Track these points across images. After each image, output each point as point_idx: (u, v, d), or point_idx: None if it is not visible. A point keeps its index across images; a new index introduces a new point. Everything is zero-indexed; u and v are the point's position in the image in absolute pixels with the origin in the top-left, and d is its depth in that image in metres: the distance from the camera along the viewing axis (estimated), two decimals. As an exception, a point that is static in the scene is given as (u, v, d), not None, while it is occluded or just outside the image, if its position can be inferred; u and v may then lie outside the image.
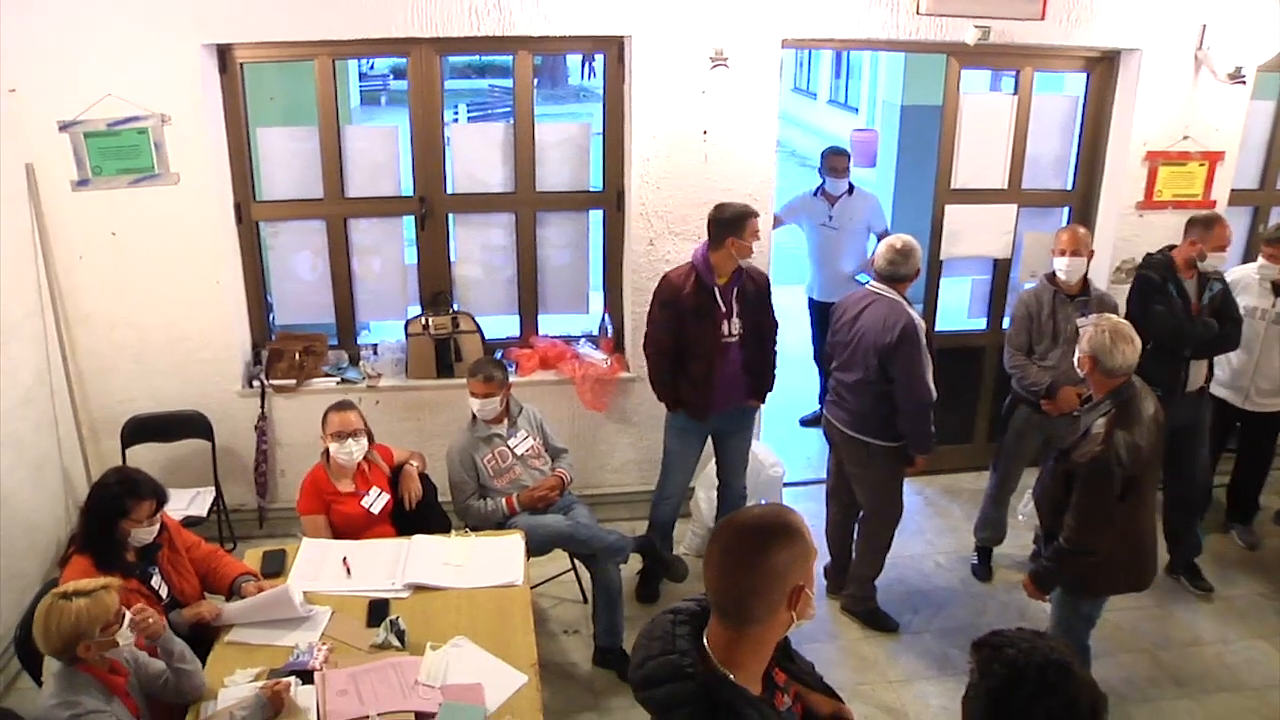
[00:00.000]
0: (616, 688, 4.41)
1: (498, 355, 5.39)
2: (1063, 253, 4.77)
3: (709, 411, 4.73)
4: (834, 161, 6.43)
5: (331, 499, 4.24)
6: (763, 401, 4.92)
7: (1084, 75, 5.69)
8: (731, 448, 4.99)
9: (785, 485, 5.57)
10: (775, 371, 4.89)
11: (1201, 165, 5.60)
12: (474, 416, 4.58)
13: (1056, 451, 3.78)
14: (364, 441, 4.29)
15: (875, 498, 4.74)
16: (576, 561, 4.80)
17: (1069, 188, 5.93)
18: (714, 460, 5.14)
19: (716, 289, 4.55)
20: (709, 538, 1.91)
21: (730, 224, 4.44)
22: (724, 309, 4.57)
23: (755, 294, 4.66)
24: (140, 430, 5.13)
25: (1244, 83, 5.39)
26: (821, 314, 6.24)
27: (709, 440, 5.01)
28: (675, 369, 4.71)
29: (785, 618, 1.87)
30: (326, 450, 4.27)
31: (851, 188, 6.48)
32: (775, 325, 4.85)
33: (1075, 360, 3.72)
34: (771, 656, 1.96)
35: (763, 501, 5.31)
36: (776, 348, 4.88)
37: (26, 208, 4.78)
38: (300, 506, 4.27)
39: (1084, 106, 5.76)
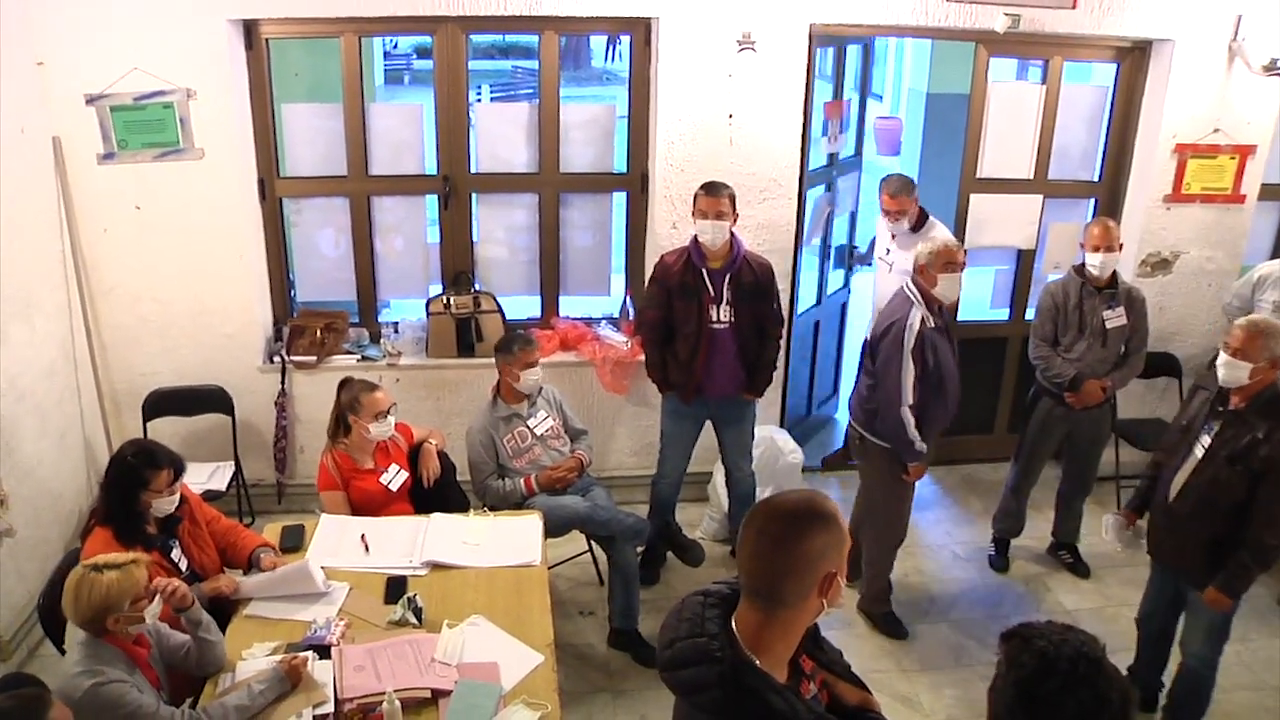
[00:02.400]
0: (631, 670, 4.42)
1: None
2: (1095, 249, 4.71)
3: (696, 395, 4.71)
4: (900, 203, 5.35)
5: (351, 475, 4.25)
6: (758, 396, 4.87)
7: (1114, 65, 5.63)
8: (729, 437, 4.98)
9: (804, 470, 5.56)
10: (773, 369, 4.84)
11: (1232, 159, 5.52)
12: (494, 396, 4.58)
13: (1222, 457, 3.60)
14: (393, 416, 4.32)
15: (869, 499, 4.69)
16: (593, 543, 4.81)
17: (1095, 179, 5.87)
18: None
19: (705, 271, 4.54)
20: (744, 520, 1.91)
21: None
22: (712, 293, 4.56)
23: (753, 284, 4.61)
24: (162, 404, 5.17)
25: (1279, 75, 5.31)
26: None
27: (709, 425, 5.00)
28: (663, 348, 4.73)
29: (816, 604, 1.87)
30: (344, 428, 4.27)
31: (923, 221, 5.43)
32: (778, 320, 4.81)
33: (1248, 372, 3.53)
34: (799, 643, 1.96)
35: (782, 488, 5.32)
36: (779, 344, 4.85)
37: (53, 181, 4.80)
38: (319, 482, 4.28)
39: (1113, 97, 5.70)
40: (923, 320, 4.21)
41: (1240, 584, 3.64)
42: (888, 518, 4.63)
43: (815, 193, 5.80)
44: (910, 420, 4.27)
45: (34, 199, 4.66)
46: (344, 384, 4.33)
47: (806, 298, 6.11)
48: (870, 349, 4.38)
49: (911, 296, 4.27)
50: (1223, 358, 3.61)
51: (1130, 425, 5.75)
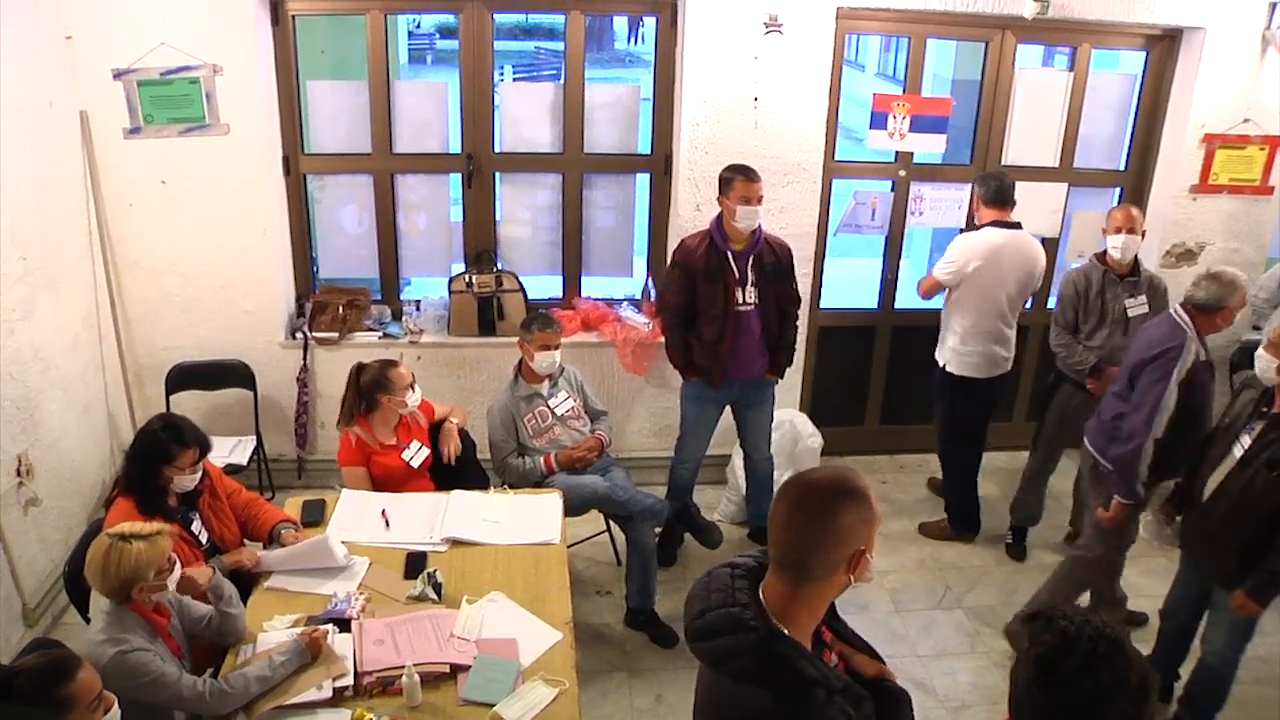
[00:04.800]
0: (647, 649, 4.45)
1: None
2: (1118, 230, 4.68)
3: (722, 377, 4.72)
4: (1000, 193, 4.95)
5: (372, 451, 4.28)
6: (780, 377, 4.89)
7: (1143, 53, 5.58)
8: (749, 420, 5.00)
9: (824, 454, 5.55)
10: (794, 349, 4.87)
11: (1262, 149, 5.47)
12: (516, 375, 4.59)
13: (1261, 460, 3.52)
14: (418, 387, 4.34)
15: (1091, 524, 4.38)
16: (612, 523, 4.83)
17: (1121, 168, 5.83)
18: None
19: (730, 253, 4.55)
20: (777, 493, 1.93)
21: (721, 182, 4.53)
22: (737, 275, 4.57)
23: (775, 265, 4.63)
24: (185, 377, 5.21)
25: (1313, 65, 5.25)
26: (954, 388, 5.18)
27: (729, 409, 5.01)
28: (687, 332, 4.73)
29: (843, 579, 1.90)
30: (367, 406, 4.29)
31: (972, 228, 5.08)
32: (797, 299, 4.82)
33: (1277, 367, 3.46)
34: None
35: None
36: (798, 324, 4.88)
37: (79, 154, 4.83)
38: (341, 458, 4.30)
39: (1141, 86, 5.65)
40: (1196, 354, 3.91)
41: (1270, 591, 3.59)
42: (1097, 547, 4.37)
43: (858, 184, 5.73)
44: (1148, 456, 3.99)
45: (61, 173, 4.69)
46: (360, 368, 4.32)
47: (848, 292, 6.04)
48: (1131, 375, 4.07)
49: (1183, 325, 3.93)
50: (1261, 354, 3.53)
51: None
